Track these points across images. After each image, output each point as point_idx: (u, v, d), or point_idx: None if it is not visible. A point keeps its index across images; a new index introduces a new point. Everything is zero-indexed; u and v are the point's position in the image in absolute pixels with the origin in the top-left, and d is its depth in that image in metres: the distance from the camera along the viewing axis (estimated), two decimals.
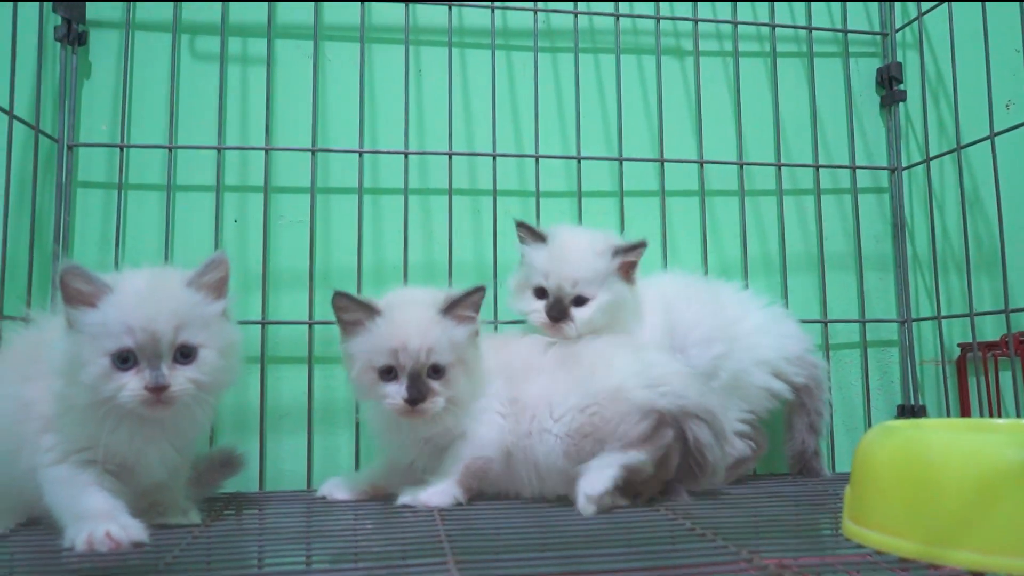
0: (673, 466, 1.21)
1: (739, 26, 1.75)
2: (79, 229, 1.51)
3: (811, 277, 1.74)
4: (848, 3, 1.82)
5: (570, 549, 0.93)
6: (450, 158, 1.59)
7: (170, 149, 1.53)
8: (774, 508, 1.21)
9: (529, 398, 1.25)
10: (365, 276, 1.54)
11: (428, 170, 1.63)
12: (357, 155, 1.57)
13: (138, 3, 1.57)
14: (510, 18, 1.69)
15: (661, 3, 1.73)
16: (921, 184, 1.80)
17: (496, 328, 1.52)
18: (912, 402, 1.73)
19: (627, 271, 1.36)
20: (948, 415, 1.72)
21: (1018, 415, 1.60)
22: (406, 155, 1.58)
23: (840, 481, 1.36)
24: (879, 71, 1.83)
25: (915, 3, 1.82)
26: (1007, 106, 1.82)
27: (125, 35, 1.55)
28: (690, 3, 1.74)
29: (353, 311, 1.20)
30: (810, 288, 1.74)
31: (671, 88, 1.74)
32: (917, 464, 0.86)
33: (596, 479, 1.13)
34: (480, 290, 1.22)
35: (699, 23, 1.73)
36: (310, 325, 1.51)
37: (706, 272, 1.64)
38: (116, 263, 1.47)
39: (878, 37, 1.85)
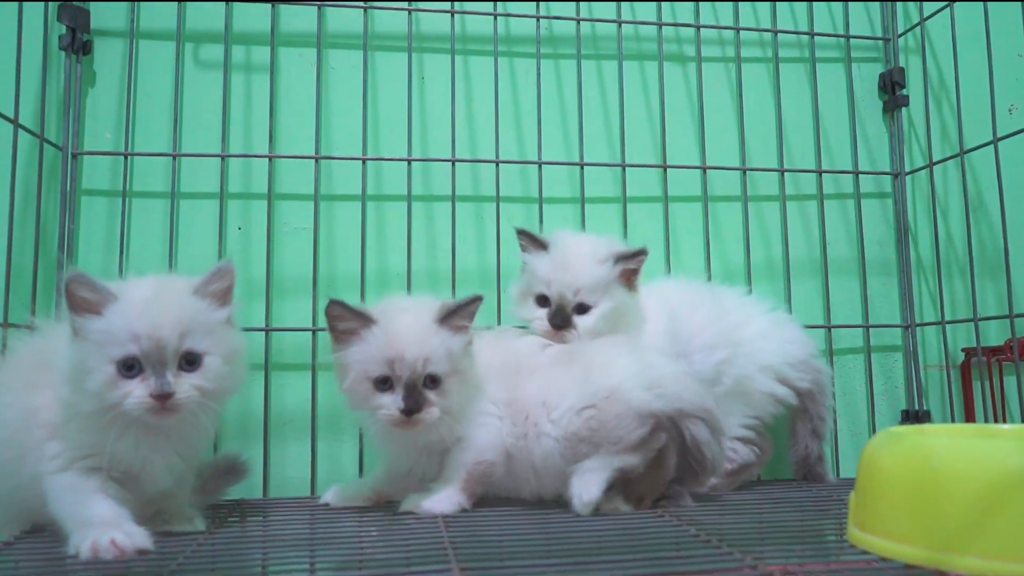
0: (672, 465, 1.21)
1: (741, 32, 1.76)
2: (83, 237, 1.52)
3: (814, 282, 1.74)
4: (850, 8, 1.82)
5: (574, 555, 0.93)
6: (453, 165, 1.60)
7: (174, 157, 1.54)
8: (779, 514, 1.20)
9: (525, 398, 1.24)
10: (368, 283, 1.54)
11: (431, 177, 1.63)
12: (360, 162, 1.57)
13: (142, 12, 1.57)
14: (513, 25, 1.70)
15: (663, 9, 1.73)
16: (924, 189, 1.80)
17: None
18: (916, 407, 1.73)
19: (629, 278, 1.36)
20: (952, 420, 1.72)
21: (1023, 420, 1.60)
22: (409, 162, 1.58)
23: (845, 486, 1.36)
24: (881, 76, 1.83)
25: (916, 4, 1.82)
26: (1010, 110, 1.82)
27: (129, 44, 1.56)
28: (692, 9, 1.75)
29: (348, 320, 1.18)
30: (814, 293, 1.74)
31: (674, 94, 1.74)
32: (922, 470, 0.86)
33: (590, 482, 1.15)
34: (477, 300, 1.21)
35: (701, 29, 1.74)
36: (314, 332, 1.51)
37: (709, 278, 1.64)
38: (120, 271, 1.47)
39: (880, 42, 1.85)
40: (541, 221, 1.60)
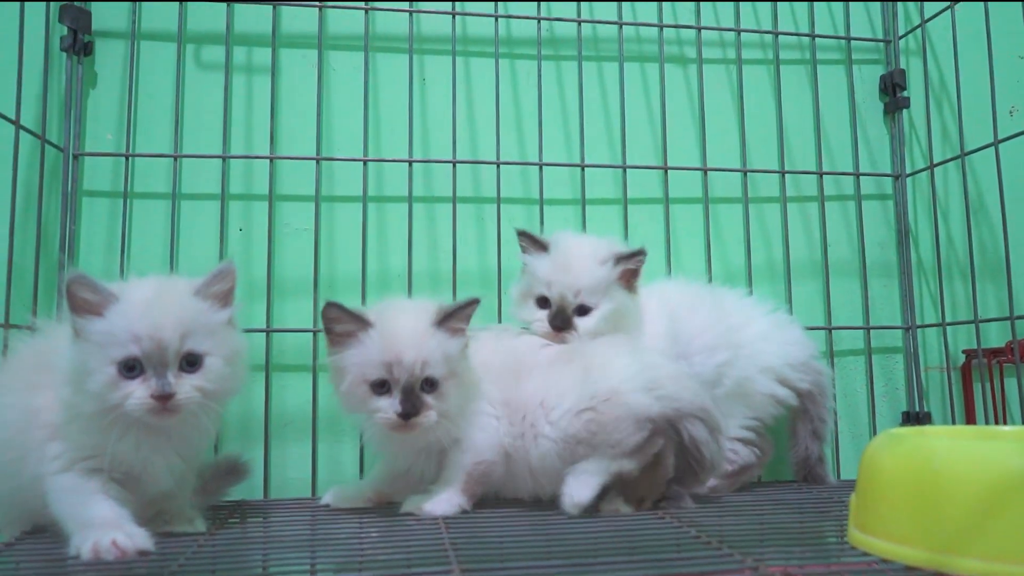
0: (670, 465, 1.22)
1: (742, 34, 1.76)
2: (85, 238, 1.52)
3: (815, 284, 1.74)
4: (851, 10, 1.83)
5: (575, 557, 0.93)
6: (454, 166, 1.60)
7: (175, 158, 1.54)
8: (779, 515, 1.21)
9: (523, 398, 1.24)
10: (369, 284, 1.54)
11: (432, 178, 1.63)
12: (361, 163, 1.58)
13: (143, 14, 1.57)
14: (513, 27, 1.70)
15: (664, 11, 1.73)
16: (925, 191, 1.80)
17: None
18: (917, 409, 1.73)
19: (628, 280, 1.36)
20: (953, 422, 1.72)
21: (1023, 422, 1.60)
22: (410, 163, 1.59)
23: (845, 488, 1.36)
24: (882, 78, 1.83)
25: (917, 5, 1.82)
26: (1011, 112, 1.82)
27: (130, 45, 1.56)
28: (693, 11, 1.75)
29: (345, 322, 1.17)
30: (814, 295, 1.74)
31: (674, 95, 1.74)
32: (923, 472, 0.86)
33: (583, 485, 1.15)
34: (474, 303, 1.21)
35: (702, 31, 1.74)
36: (315, 333, 1.51)
37: (710, 279, 1.64)
38: (121, 271, 1.47)
39: (881, 44, 1.85)
40: (542, 222, 1.60)
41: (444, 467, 1.24)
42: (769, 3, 1.79)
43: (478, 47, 1.69)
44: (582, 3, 1.70)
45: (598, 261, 1.34)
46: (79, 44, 1.51)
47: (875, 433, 1.69)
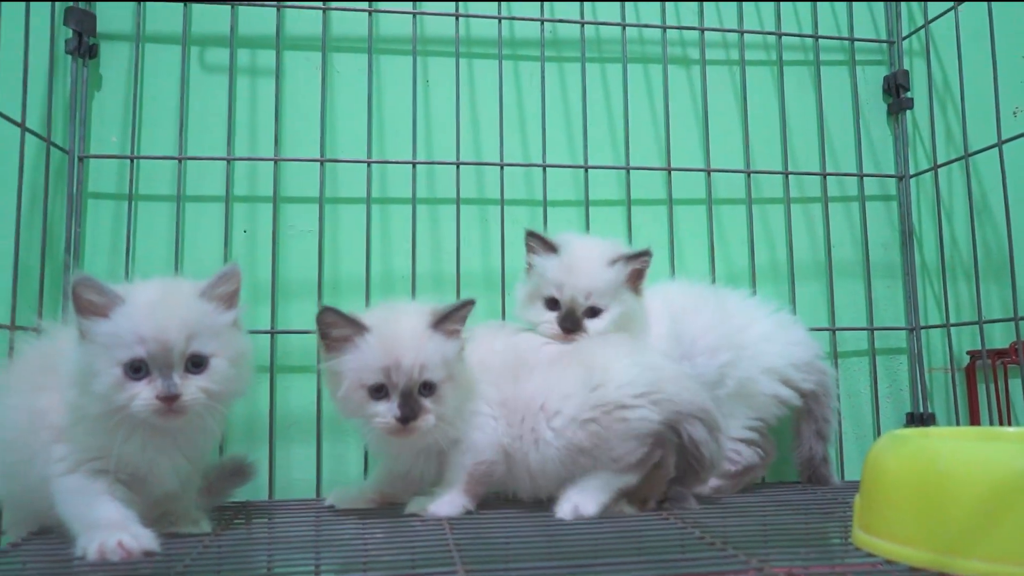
0: (671, 465, 1.22)
1: (745, 35, 1.76)
2: (90, 240, 1.52)
3: (819, 285, 1.74)
4: (855, 11, 1.83)
5: (580, 558, 0.93)
6: (458, 168, 1.60)
7: (180, 160, 1.54)
8: (783, 516, 1.21)
9: (522, 398, 1.24)
10: (373, 286, 1.54)
11: (436, 180, 1.63)
12: (365, 165, 1.58)
13: (148, 16, 1.58)
14: (517, 28, 1.70)
15: (667, 13, 1.73)
16: (929, 192, 1.80)
17: None
18: (921, 410, 1.73)
19: (634, 281, 1.36)
20: (957, 423, 1.72)
21: None
22: (414, 165, 1.59)
23: (849, 489, 1.36)
24: (886, 79, 1.83)
25: (920, 5, 1.82)
26: (1014, 113, 1.82)
27: (135, 47, 1.56)
28: (696, 12, 1.75)
29: (341, 327, 1.16)
30: (818, 296, 1.74)
31: (678, 97, 1.74)
32: (928, 473, 0.86)
33: (589, 500, 1.16)
34: (469, 304, 1.20)
35: (705, 32, 1.74)
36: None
37: (714, 280, 1.64)
38: (126, 273, 1.48)
39: (884, 45, 1.85)
40: (545, 224, 1.60)
41: (445, 469, 1.24)
42: (772, 4, 1.79)
43: (481, 49, 1.69)
44: (585, 4, 1.70)
45: (607, 262, 1.34)
46: (84, 47, 1.51)
47: (879, 434, 1.69)
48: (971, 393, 1.73)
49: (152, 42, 1.59)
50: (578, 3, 1.70)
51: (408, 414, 1.13)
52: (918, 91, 1.82)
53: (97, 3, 1.55)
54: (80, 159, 1.51)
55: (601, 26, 1.73)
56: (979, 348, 1.63)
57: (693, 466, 1.22)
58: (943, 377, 1.77)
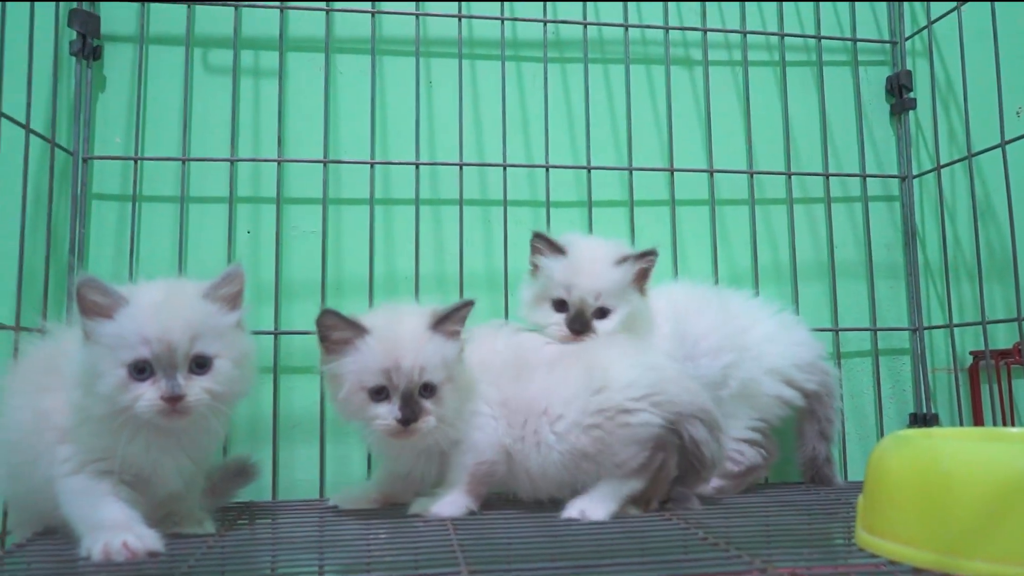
0: (673, 465, 1.22)
1: (748, 35, 1.76)
2: (94, 241, 1.53)
3: (822, 286, 1.74)
4: (857, 11, 1.82)
5: (583, 559, 0.93)
6: (461, 169, 1.60)
7: (183, 161, 1.55)
8: (786, 517, 1.21)
9: (523, 399, 1.24)
10: (377, 286, 1.55)
11: (439, 181, 1.64)
12: (368, 166, 1.58)
13: (152, 18, 1.58)
14: (520, 29, 1.70)
15: (670, 13, 1.73)
16: (932, 192, 1.80)
17: None
18: (924, 410, 1.72)
19: (640, 281, 1.37)
20: (960, 423, 1.72)
21: None
22: (417, 166, 1.59)
23: (852, 489, 1.36)
24: (889, 79, 1.83)
25: (923, 5, 1.82)
26: (1018, 113, 1.82)
27: (139, 49, 1.57)
28: (699, 13, 1.75)
29: (341, 330, 1.16)
30: (821, 297, 1.74)
31: (680, 97, 1.74)
32: (931, 474, 0.86)
33: (598, 507, 1.16)
34: (468, 304, 1.20)
35: (708, 32, 1.74)
36: None
37: (716, 281, 1.64)
38: (130, 274, 1.48)
39: (887, 45, 1.85)
40: (548, 225, 1.60)
41: (447, 469, 1.24)
42: (774, 4, 1.79)
43: (484, 50, 1.69)
44: (587, 5, 1.70)
45: (615, 263, 1.34)
46: (88, 48, 1.52)
47: (882, 435, 1.69)
48: (974, 394, 1.73)
49: (156, 43, 1.59)
50: (580, 4, 1.70)
51: (409, 416, 1.13)
52: (921, 91, 1.82)
53: (101, 4, 1.56)
54: (84, 160, 1.52)
55: (604, 27, 1.73)
56: (982, 348, 1.63)
57: (694, 465, 1.22)
58: (946, 377, 1.77)
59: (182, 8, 1.58)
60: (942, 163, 1.75)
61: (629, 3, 1.72)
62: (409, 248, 1.57)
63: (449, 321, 1.19)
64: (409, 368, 1.14)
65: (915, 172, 1.81)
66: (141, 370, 0.99)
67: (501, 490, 1.30)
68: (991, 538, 0.79)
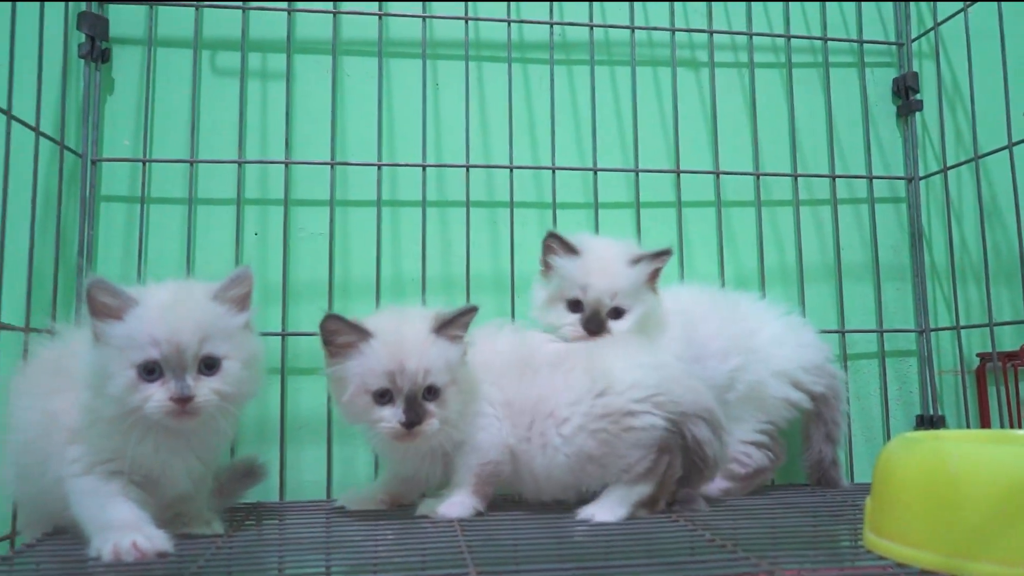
0: (678, 465, 1.22)
1: (754, 37, 1.76)
2: (102, 242, 1.53)
3: (828, 287, 1.74)
4: (864, 13, 1.82)
5: (591, 560, 0.93)
6: (467, 170, 1.61)
7: (191, 163, 1.55)
8: (793, 519, 1.20)
9: (527, 399, 1.24)
10: (383, 288, 1.55)
11: (445, 182, 1.64)
12: (375, 168, 1.59)
13: (160, 20, 1.59)
14: (526, 31, 1.71)
15: (676, 15, 1.73)
16: (938, 194, 1.80)
17: None
18: (931, 412, 1.72)
19: (652, 281, 1.37)
20: (967, 426, 1.71)
21: None
22: (424, 168, 1.59)
23: (859, 492, 1.36)
24: (895, 81, 1.83)
25: (929, 5, 1.82)
26: None
27: (147, 52, 1.57)
28: (705, 14, 1.75)
29: (345, 334, 1.16)
30: (827, 298, 1.73)
31: (687, 99, 1.74)
32: (939, 476, 0.86)
33: (608, 513, 1.16)
34: (472, 311, 1.21)
35: (714, 35, 1.74)
36: None
37: (723, 283, 1.64)
38: (139, 275, 1.49)
39: (894, 47, 1.85)
40: (555, 226, 1.60)
41: (452, 471, 1.25)
42: (781, 6, 1.79)
43: (491, 52, 1.70)
44: (594, 7, 1.71)
45: (630, 262, 1.34)
46: (97, 51, 1.53)
47: (889, 437, 1.69)
48: (981, 395, 1.72)
49: (164, 46, 1.60)
50: (587, 6, 1.70)
51: (413, 418, 1.14)
52: (927, 93, 1.82)
53: (110, 7, 1.57)
54: (93, 162, 1.52)
55: (610, 29, 1.73)
56: (989, 350, 1.63)
57: (697, 464, 1.22)
58: (953, 379, 1.76)
59: (190, 11, 1.58)
60: (949, 165, 1.75)
61: (635, 4, 1.72)
62: (416, 250, 1.57)
63: (452, 326, 1.19)
64: (413, 371, 1.14)
65: (922, 174, 1.80)
66: (150, 371, 1.00)
67: (506, 491, 1.30)
68: (999, 540, 0.79)
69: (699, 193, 1.71)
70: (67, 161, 1.47)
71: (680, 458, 1.22)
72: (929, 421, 1.72)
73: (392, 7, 1.64)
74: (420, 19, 1.64)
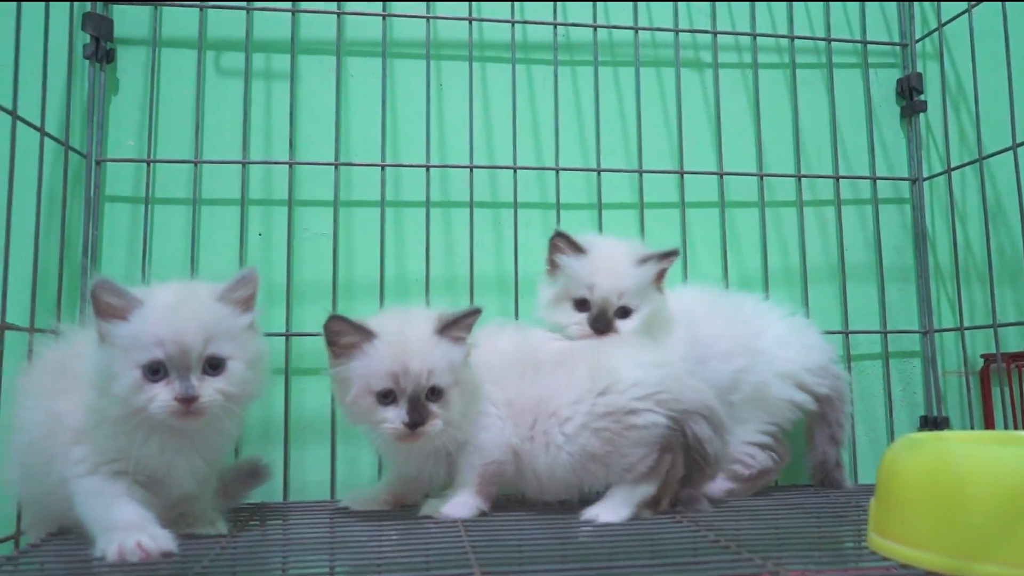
0: (680, 464, 1.22)
1: (758, 38, 1.76)
2: (107, 243, 1.53)
3: (832, 288, 1.74)
4: (868, 13, 1.82)
5: (595, 561, 0.93)
6: (471, 171, 1.61)
7: (196, 164, 1.56)
8: (797, 520, 1.21)
9: (530, 398, 1.24)
10: (387, 289, 1.55)
11: (449, 183, 1.64)
12: (379, 168, 1.59)
13: (164, 21, 1.59)
14: (530, 32, 1.71)
15: (680, 15, 1.73)
16: (942, 195, 1.79)
17: None
18: (935, 413, 1.72)
19: (659, 280, 1.37)
20: (972, 427, 1.71)
21: None
22: (428, 168, 1.60)
23: (863, 493, 1.36)
24: (899, 81, 1.83)
25: (933, 5, 1.81)
26: None
27: (152, 52, 1.58)
28: (708, 15, 1.75)
29: (349, 335, 1.16)
30: (831, 299, 1.73)
31: (690, 100, 1.74)
32: (943, 477, 0.86)
33: (612, 513, 1.16)
34: (475, 312, 1.20)
35: (718, 35, 1.74)
36: None
37: (727, 284, 1.64)
38: (143, 276, 1.49)
39: (898, 48, 1.84)
40: (558, 227, 1.59)
41: (455, 471, 1.25)
42: (784, 6, 1.79)
43: (495, 52, 1.70)
44: (597, 7, 1.71)
45: (637, 262, 1.34)
46: (101, 51, 1.53)
47: (893, 438, 1.69)
48: (985, 397, 1.72)
49: (168, 47, 1.60)
50: (591, 6, 1.70)
51: (416, 419, 1.14)
52: (931, 94, 1.81)
53: (114, 8, 1.57)
54: (97, 163, 1.53)
55: (614, 30, 1.73)
56: (993, 352, 1.63)
57: (699, 463, 1.22)
58: (957, 381, 1.76)
59: (194, 11, 1.59)
60: (953, 166, 1.75)
61: (639, 4, 1.72)
62: (420, 250, 1.57)
63: (456, 327, 1.19)
64: (416, 372, 1.14)
65: (926, 175, 1.80)
66: (155, 371, 1.00)
67: (510, 491, 1.30)
68: (1004, 542, 0.79)
69: (703, 194, 1.71)
70: (71, 161, 1.48)
71: (682, 457, 1.22)
72: (933, 422, 1.71)
73: (396, 8, 1.65)
74: (424, 20, 1.64)
